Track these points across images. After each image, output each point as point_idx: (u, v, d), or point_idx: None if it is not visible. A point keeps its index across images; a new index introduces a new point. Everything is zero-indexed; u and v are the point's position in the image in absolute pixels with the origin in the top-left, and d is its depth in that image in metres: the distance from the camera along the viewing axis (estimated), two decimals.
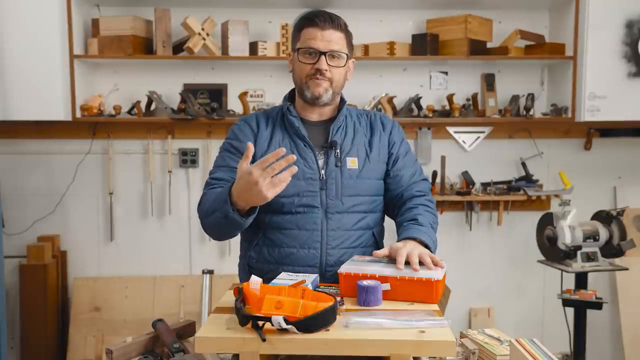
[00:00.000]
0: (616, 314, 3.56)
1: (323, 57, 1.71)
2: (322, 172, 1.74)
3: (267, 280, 1.56)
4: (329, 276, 1.70)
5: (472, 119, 3.36)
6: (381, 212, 1.86)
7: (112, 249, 3.47)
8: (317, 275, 1.60)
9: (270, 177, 1.41)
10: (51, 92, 3.03)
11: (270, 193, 1.43)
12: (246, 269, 1.79)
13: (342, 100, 1.85)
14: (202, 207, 1.67)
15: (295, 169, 1.43)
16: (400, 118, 3.29)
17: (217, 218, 1.56)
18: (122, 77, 3.40)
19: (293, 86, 1.85)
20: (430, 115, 3.31)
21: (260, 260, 1.76)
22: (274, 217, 1.74)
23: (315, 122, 1.82)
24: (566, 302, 2.90)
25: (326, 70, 1.72)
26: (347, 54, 1.76)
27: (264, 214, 1.74)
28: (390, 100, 3.34)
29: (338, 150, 1.76)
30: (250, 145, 1.46)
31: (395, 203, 1.83)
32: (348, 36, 1.78)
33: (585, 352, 3.00)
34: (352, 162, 1.77)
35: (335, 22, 1.74)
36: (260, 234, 1.76)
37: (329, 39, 1.72)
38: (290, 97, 1.87)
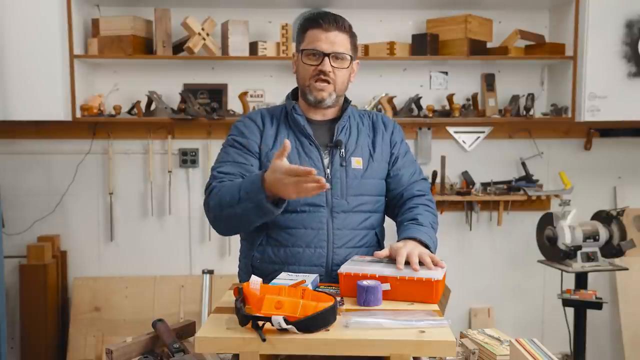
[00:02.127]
0: (616, 314, 3.56)
1: (327, 58, 1.71)
2: (328, 171, 1.74)
3: (271, 280, 1.55)
4: (335, 275, 1.68)
5: (472, 119, 3.36)
6: (383, 213, 1.86)
7: (112, 249, 3.47)
8: (317, 275, 1.59)
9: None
10: (51, 92, 3.02)
11: (294, 195, 1.46)
12: (249, 270, 1.77)
13: (346, 100, 1.85)
14: (219, 200, 1.62)
15: (327, 186, 1.45)
16: (400, 118, 3.29)
17: (245, 208, 1.54)
18: (122, 77, 3.40)
19: (294, 85, 1.85)
20: (430, 115, 3.31)
21: (265, 260, 1.74)
22: (278, 216, 1.73)
23: (319, 122, 1.82)
24: (566, 302, 2.90)
25: (330, 71, 1.72)
26: (350, 56, 1.75)
27: None
28: (390, 100, 3.34)
29: (343, 150, 1.76)
30: (287, 143, 1.46)
31: (395, 203, 1.83)
32: (352, 38, 1.78)
33: (585, 352, 3.00)
34: (356, 162, 1.77)
35: (339, 24, 1.73)
36: (264, 233, 1.75)
37: (333, 40, 1.72)
38: (293, 96, 1.86)
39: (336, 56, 1.72)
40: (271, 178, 1.47)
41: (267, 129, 1.79)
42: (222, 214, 1.62)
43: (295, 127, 1.78)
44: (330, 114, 1.83)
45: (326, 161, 1.76)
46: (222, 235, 1.78)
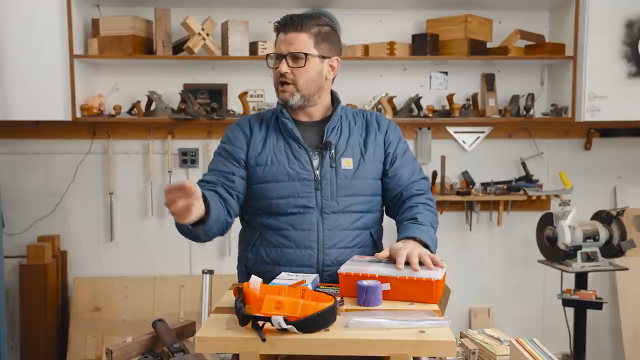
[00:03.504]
0: (616, 314, 3.56)
1: (283, 60, 1.73)
2: (317, 172, 1.74)
3: (265, 281, 1.55)
4: (326, 276, 1.70)
5: (472, 119, 3.36)
6: (379, 212, 1.86)
7: (112, 249, 3.47)
8: (317, 275, 1.60)
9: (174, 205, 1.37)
10: (51, 92, 3.02)
11: (180, 219, 1.40)
12: (244, 271, 1.79)
13: (337, 101, 1.85)
14: None
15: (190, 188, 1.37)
16: (400, 118, 3.29)
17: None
18: (122, 77, 3.40)
19: None
20: (430, 115, 3.31)
21: (258, 261, 1.76)
22: (269, 219, 1.74)
23: (310, 123, 1.82)
24: (566, 302, 2.90)
25: (286, 72, 1.73)
26: (306, 54, 1.72)
27: (260, 215, 1.76)
28: (390, 100, 3.34)
29: (333, 151, 1.76)
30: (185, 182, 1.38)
31: (395, 202, 1.83)
32: (317, 36, 1.74)
33: (585, 352, 3.00)
34: (346, 163, 1.77)
35: (296, 24, 1.72)
36: (257, 235, 1.77)
37: (290, 41, 1.72)
38: None
39: (293, 56, 1.72)
40: None
41: (255, 134, 1.80)
42: None
43: (284, 130, 1.79)
44: (318, 115, 1.82)
45: (316, 163, 1.76)
46: None
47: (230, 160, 1.78)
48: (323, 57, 1.76)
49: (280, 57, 1.74)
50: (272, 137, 1.79)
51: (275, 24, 1.78)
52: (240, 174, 1.76)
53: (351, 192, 1.76)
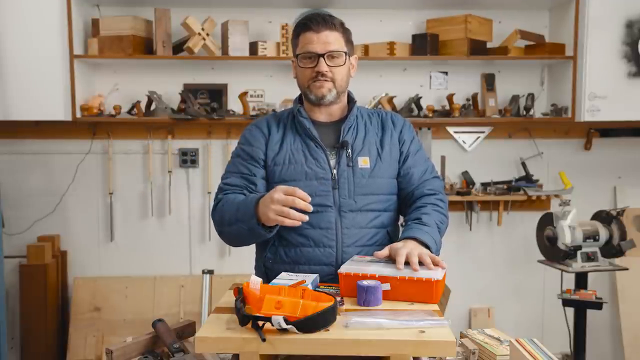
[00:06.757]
0: (616, 314, 3.56)
1: (322, 59, 1.72)
2: (334, 171, 1.75)
3: None
4: None
5: (472, 119, 3.36)
6: (395, 212, 1.86)
7: (112, 249, 3.47)
8: (317, 275, 1.60)
9: (283, 205, 1.52)
10: (51, 92, 3.03)
11: (272, 215, 1.53)
12: (262, 270, 1.80)
13: (352, 100, 1.86)
14: (220, 215, 1.71)
15: (305, 218, 1.54)
16: None
17: (240, 229, 1.64)
18: (122, 77, 3.40)
19: (294, 85, 1.86)
20: (430, 115, 3.31)
21: (277, 260, 1.77)
22: None
23: (326, 123, 1.83)
24: (566, 302, 2.90)
25: (327, 71, 1.73)
26: (345, 52, 1.76)
27: None
28: (390, 100, 3.34)
29: (349, 150, 1.77)
30: (302, 194, 1.53)
31: (406, 202, 1.83)
32: (345, 34, 1.79)
33: (585, 352, 3.00)
34: (363, 162, 1.77)
35: (329, 23, 1.75)
36: (275, 235, 1.77)
37: (325, 40, 1.73)
38: (301, 99, 1.88)
39: (331, 55, 1.73)
40: (264, 200, 1.57)
41: (273, 134, 1.81)
42: (223, 229, 1.72)
43: (301, 130, 1.80)
44: (336, 114, 1.84)
45: (333, 162, 1.77)
46: (231, 246, 1.83)
47: (250, 161, 1.79)
48: (349, 55, 1.79)
49: (315, 56, 1.73)
50: (289, 137, 1.80)
51: (301, 23, 1.77)
52: (261, 175, 1.79)
53: (369, 190, 1.76)
